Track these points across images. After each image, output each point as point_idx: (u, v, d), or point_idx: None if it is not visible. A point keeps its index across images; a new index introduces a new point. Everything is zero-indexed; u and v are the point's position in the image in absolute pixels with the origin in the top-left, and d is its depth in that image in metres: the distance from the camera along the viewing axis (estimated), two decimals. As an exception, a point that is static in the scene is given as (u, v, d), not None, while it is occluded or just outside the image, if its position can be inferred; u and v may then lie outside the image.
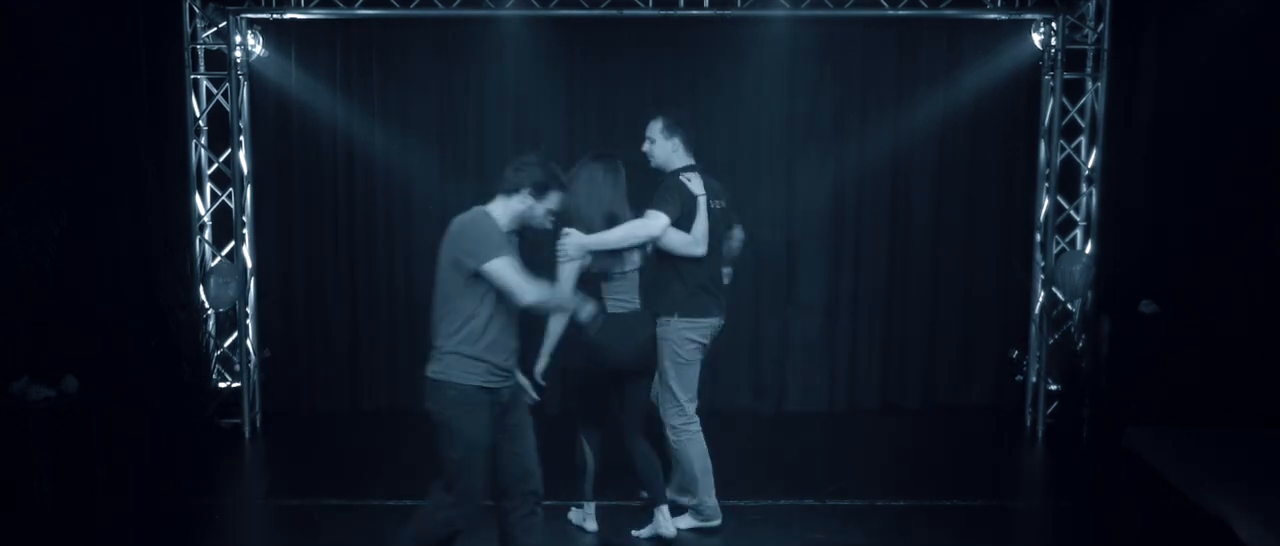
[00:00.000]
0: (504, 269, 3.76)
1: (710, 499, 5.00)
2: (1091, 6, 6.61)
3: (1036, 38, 6.74)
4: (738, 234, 5.16)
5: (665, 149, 4.92)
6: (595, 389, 4.78)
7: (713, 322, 4.87)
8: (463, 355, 3.85)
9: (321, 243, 7.20)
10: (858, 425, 7.12)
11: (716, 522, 5.03)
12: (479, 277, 3.78)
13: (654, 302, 4.79)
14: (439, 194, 7.13)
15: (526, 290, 3.78)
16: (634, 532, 4.98)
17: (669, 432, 4.91)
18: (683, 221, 4.76)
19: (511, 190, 3.90)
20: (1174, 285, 6.64)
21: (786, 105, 7.10)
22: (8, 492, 5.43)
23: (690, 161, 4.93)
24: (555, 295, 4.06)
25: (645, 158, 4.98)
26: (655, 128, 4.94)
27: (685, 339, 4.80)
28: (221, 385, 6.94)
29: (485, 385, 3.88)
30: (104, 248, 6.53)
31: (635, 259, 4.70)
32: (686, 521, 5.02)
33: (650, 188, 4.90)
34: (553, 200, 3.95)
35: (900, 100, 7.09)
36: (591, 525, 5.04)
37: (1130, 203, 6.83)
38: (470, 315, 3.84)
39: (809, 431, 6.93)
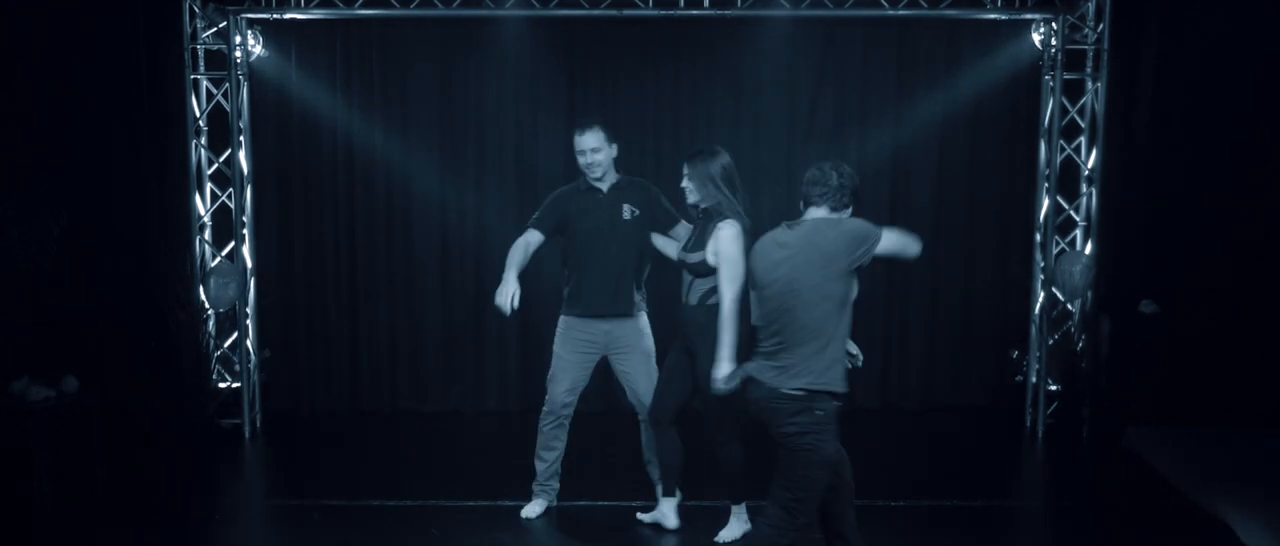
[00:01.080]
0: (892, 233, 3.92)
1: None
2: (1091, 6, 6.61)
3: (1036, 38, 6.74)
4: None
5: (610, 155, 4.95)
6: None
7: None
8: (833, 366, 3.86)
9: (321, 243, 7.19)
10: (858, 425, 7.10)
11: None
12: (854, 278, 3.86)
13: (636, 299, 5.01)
14: (439, 194, 7.13)
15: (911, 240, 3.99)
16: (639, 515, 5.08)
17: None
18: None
19: (842, 205, 3.96)
20: (1174, 285, 6.64)
21: (786, 105, 7.10)
22: (8, 492, 5.43)
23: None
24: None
25: (586, 170, 4.94)
26: (599, 136, 4.89)
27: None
28: (221, 385, 6.94)
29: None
30: (104, 248, 6.54)
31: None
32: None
33: None
34: None
35: (900, 100, 7.08)
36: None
37: (1130, 203, 6.82)
38: (838, 330, 3.89)
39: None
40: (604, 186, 4.97)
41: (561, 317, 5.08)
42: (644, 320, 5.05)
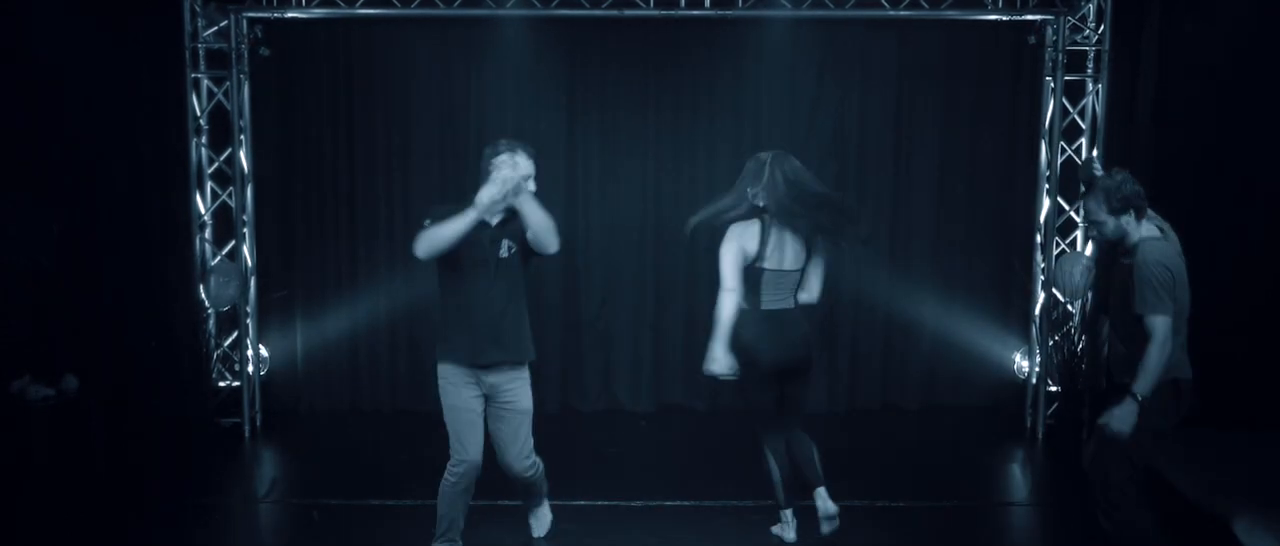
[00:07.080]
0: None
1: None
2: (1092, 7, 6.61)
3: (1036, 38, 6.74)
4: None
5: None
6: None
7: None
8: None
9: (322, 242, 7.19)
10: (858, 425, 7.12)
11: None
12: None
13: None
14: (439, 193, 7.12)
15: None
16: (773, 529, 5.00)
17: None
18: None
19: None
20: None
21: (787, 105, 7.10)
22: (8, 492, 5.43)
23: None
24: None
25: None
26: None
27: None
28: (221, 385, 6.94)
29: None
30: (104, 247, 6.53)
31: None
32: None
33: None
34: None
35: (900, 100, 7.09)
36: (790, 535, 4.97)
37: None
38: None
39: (809, 431, 6.91)
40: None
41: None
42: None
